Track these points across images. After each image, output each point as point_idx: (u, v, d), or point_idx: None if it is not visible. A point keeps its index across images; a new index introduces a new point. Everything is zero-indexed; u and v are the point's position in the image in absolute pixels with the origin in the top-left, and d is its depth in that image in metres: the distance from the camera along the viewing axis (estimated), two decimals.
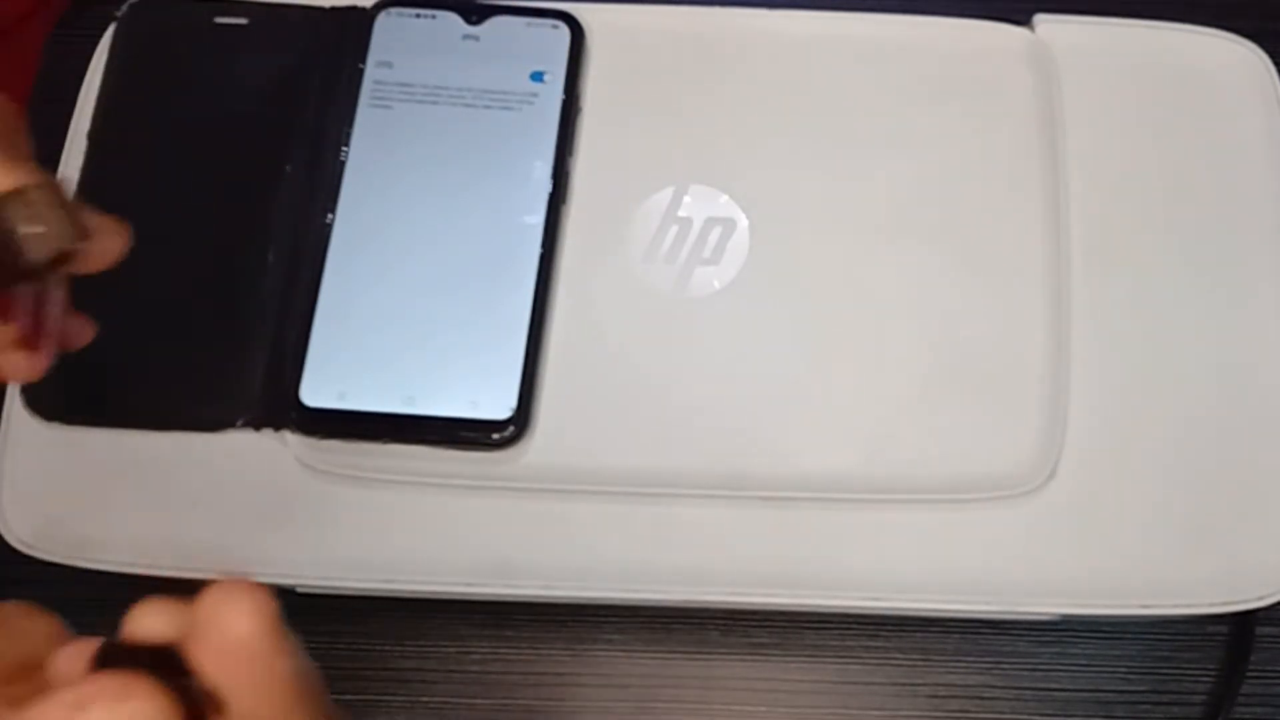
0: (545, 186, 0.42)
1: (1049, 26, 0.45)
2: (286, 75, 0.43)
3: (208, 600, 0.22)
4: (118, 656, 0.22)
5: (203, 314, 0.41)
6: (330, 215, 0.41)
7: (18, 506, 0.39)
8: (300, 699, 0.22)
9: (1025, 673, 0.44)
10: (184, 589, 0.40)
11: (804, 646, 0.45)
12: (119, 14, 0.44)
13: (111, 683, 0.21)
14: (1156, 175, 0.43)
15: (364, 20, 0.43)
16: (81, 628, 0.46)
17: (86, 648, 0.23)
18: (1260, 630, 0.44)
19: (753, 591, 0.39)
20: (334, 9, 0.44)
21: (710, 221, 0.42)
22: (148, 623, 0.22)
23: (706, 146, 0.43)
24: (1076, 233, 0.42)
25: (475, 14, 0.44)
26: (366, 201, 0.41)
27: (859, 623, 0.45)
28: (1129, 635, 0.45)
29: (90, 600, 0.45)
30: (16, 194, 0.24)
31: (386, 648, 0.45)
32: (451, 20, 0.44)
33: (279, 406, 0.39)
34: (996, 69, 0.44)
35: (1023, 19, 0.45)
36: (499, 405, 0.39)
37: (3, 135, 0.27)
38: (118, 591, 0.43)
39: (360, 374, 0.39)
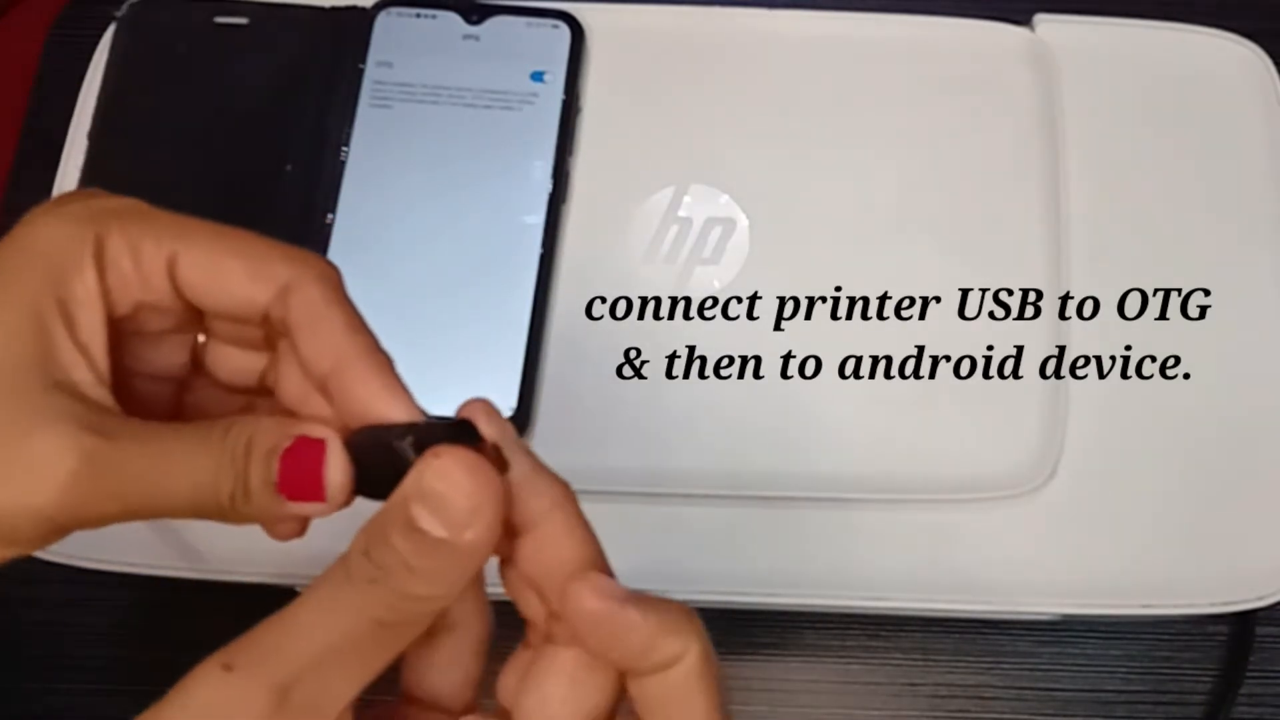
0: (545, 186, 0.42)
1: (1049, 26, 0.45)
2: (286, 75, 0.43)
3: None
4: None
5: None
6: (330, 215, 0.41)
7: None
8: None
9: (1025, 673, 0.44)
10: (186, 589, 0.40)
11: (804, 646, 0.45)
12: (119, 14, 0.44)
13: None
14: (1156, 174, 0.43)
15: (364, 20, 0.43)
16: (81, 627, 0.46)
17: None
18: (1260, 630, 0.44)
19: (753, 591, 0.39)
20: (334, 9, 0.44)
21: (710, 221, 0.42)
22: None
23: (706, 146, 0.43)
24: (1076, 232, 0.42)
25: (475, 14, 0.44)
26: (366, 201, 0.41)
27: (859, 623, 0.45)
28: (1129, 635, 0.45)
29: (90, 599, 0.45)
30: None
31: None
32: (452, 20, 0.44)
33: None
34: (996, 68, 0.44)
35: (1023, 19, 0.45)
36: (499, 404, 0.39)
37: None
38: (118, 590, 0.44)
39: None
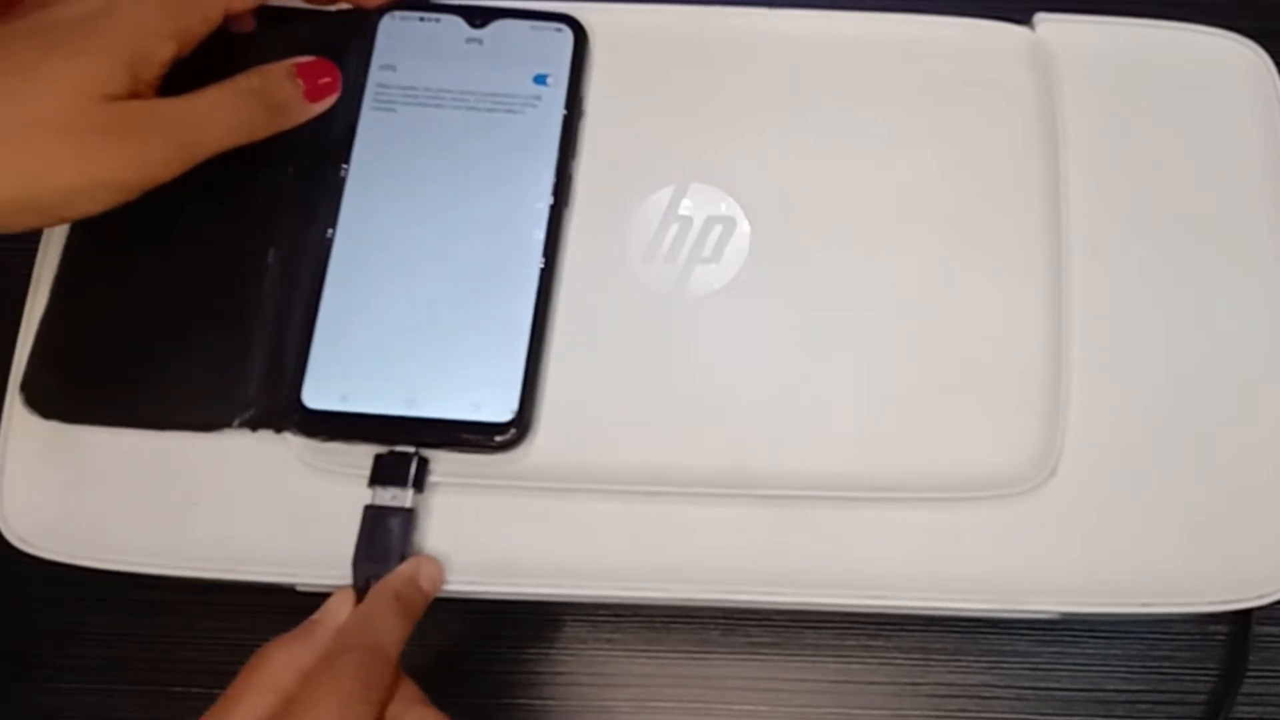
0: (548, 188, 0.42)
1: (1049, 25, 0.45)
2: None
3: None
4: None
5: (204, 314, 0.41)
6: (333, 217, 0.41)
7: (17, 504, 0.40)
8: None
9: (1025, 672, 0.44)
10: (184, 589, 0.40)
11: (804, 646, 0.45)
12: None
13: None
14: (1156, 174, 0.43)
15: (367, 23, 0.43)
16: (81, 627, 0.46)
17: None
18: (1260, 630, 0.44)
19: (753, 591, 0.39)
20: (337, 12, 0.44)
21: (710, 221, 0.42)
22: None
23: (706, 146, 0.43)
24: (1076, 232, 0.42)
25: (478, 17, 0.44)
26: (369, 203, 0.41)
27: (859, 622, 0.45)
28: (1129, 635, 0.45)
29: (89, 599, 0.46)
30: None
31: None
32: (455, 23, 0.44)
33: (280, 408, 0.39)
34: (997, 68, 0.44)
35: (1023, 18, 0.45)
36: (501, 407, 0.39)
37: None
38: (118, 590, 0.44)
39: (362, 376, 0.39)
